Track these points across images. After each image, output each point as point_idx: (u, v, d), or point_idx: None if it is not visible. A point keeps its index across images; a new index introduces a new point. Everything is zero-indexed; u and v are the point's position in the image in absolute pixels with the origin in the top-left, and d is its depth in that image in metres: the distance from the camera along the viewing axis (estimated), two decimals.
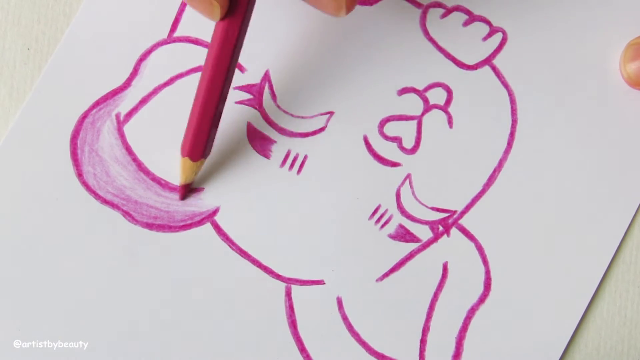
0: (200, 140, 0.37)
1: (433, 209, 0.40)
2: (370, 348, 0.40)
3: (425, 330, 0.40)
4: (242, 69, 0.41)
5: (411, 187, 0.40)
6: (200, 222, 0.40)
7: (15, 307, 0.39)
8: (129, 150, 0.40)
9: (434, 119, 0.41)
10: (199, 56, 0.40)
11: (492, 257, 0.40)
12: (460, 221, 0.41)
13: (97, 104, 0.40)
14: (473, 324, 0.40)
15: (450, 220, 0.41)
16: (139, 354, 0.39)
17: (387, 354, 0.40)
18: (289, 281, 0.40)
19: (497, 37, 0.41)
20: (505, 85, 0.41)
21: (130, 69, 0.40)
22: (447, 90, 0.41)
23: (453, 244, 0.41)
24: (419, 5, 0.41)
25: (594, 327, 0.41)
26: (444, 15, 0.41)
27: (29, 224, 0.39)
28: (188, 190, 0.40)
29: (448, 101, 0.41)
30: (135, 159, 0.40)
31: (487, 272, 0.40)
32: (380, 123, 0.41)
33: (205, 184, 0.40)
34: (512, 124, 0.41)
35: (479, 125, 0.41)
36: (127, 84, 0.40)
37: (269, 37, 0.41)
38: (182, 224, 0.40)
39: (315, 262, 0.40)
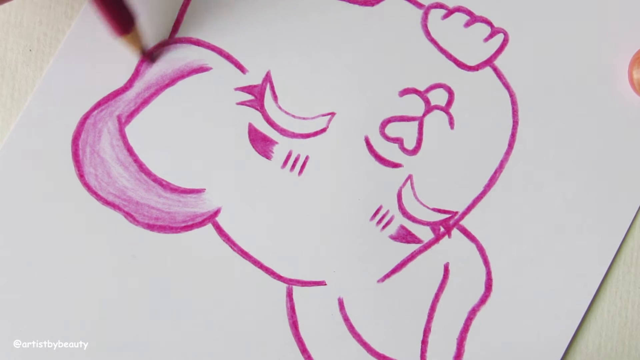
0: (122, 14, 0.37)
1: (434, 210, 0.40)
2: (371, 349, 0.40)
3: (427, 331, 0.40)
4: (243, 70, 0.41)
5: (412, 188, 0.40)
6: (201, 223, 0.40)
7: (15, 307, 0.39)
8: (130, 151, 0.40)
9: (435, 120, 0.41)
10: (200, 57, 0.40)
11: (493, 258, 0.41)
12: (462, 222, 0.41)
13: (98, 105, 0.40)
14: (474, 325, 0.40)
15: (451, 221, 0.41)
16: (139, 354, 0.39)
17: (388, 354, 0.40)
18: (290, 282, 0.40)
19: (499, 38, 0.41)
20: (507, 87, 0.41)
21: (131, 70, 0.40)
22: (449, 91, 0.41)
23: (454, 245, 0.41)
24: (420, 5, 0.41)
25: (594, 328, 0.41)
26: (445, 16, 0.41)
27: (30, 224, 0.39)
28: (149, 54, 0.40)
29: (449, 102, 0.41)
30: (136, 160, 0.40)
31: (488, 273, 0.40)
32: (382, 124, 0.41)
33: (207, 185, 0.40)
34: (513, 125, 0.41)
35: (480, 127, 0.41)
36: (128, 85, 0.40)
37: (270, 39, 0.41)
38: (183, 225, 0.40)
39: (316, 263, 0.40)
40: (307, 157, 0.40)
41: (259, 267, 0.40)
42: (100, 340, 0.39)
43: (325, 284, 0.40)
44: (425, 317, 0.40)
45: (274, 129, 0.40)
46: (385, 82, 0.41)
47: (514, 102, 0.41)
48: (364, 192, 0.40)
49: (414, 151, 0.41)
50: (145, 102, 0.40)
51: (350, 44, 0.41)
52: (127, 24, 0.37)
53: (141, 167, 0.40)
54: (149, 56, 0.40)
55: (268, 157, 0.40)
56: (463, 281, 0.40)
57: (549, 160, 0.41)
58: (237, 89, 0.40)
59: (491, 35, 0.41)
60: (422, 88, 0.41)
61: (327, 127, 0.41)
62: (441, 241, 0.41)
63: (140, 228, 0.39)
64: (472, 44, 0.41)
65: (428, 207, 0.40)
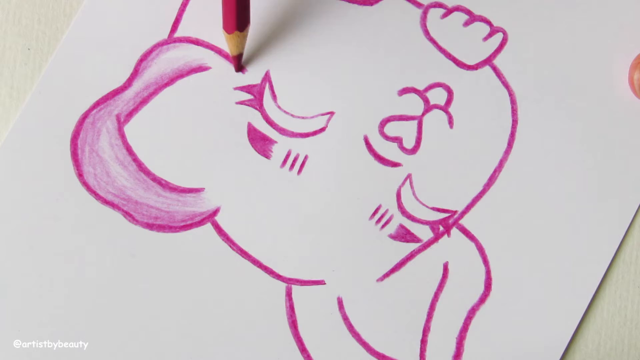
0: (242, 11, 0.38)
1: (433, 209, 0.40)
2: (370, 348, 0.40)
3: (426, 330, 0.40)
4: (242, 70, 0.41)
5: (412, 187, 0.40)
6: (200, 222, 0.40)
7: (15, 307, 0.39)
8: (129, 150, 0.40)
9: (435, 119, 0.41)
10: (199, 56, 0.40)
11: (493, 257, 0.40)
12: (461, 221, 0.41)
13: (97, 104, 0.40)
14: (473, 324, 0.40)
15: (450, 221, 0.41)
16: (139, 354, 0.39)
17: (387, 354, 0.40)
18: (289, 281, 0.40)
19: (498, 37, 0.41)
20: (506, 86, 0.41)
21: (130, 69, 0.40)
22: (448, 91, 0.41)
23: (453, 244, 0.41)
24: (419, 5, 0.41)
25: (594, 327, 0.41)
26: (444, 15, 0.41)
27: (29, 224, 0.39)
28: (240, 60, 0.40)
29: (448, 101, 0.41)
30: (135, 159, 0.40)
31: (488, 272, 0.40)
32: (381, 123, 0.41)
33: (206, 184, 0.40)
34: (513, 124, 0.41)
35: (479, 126, 0.41)
36: (127, 84, 0.40)
37: (269, 38, 0.41)
38: (182, 224, 0.40)
39: (315, 262, 0.40)
40: (306, 157, 0.40)
41: (258, 266, 0.40)
42: (100, 340, 0.39)
43: (325, 283, 0.40)
44: (425, 317, 0.40)
45: (273, 128, 0.40)
46: (384, 82, 0.41)
47: (513, 102, 0.41)
48: (363, 191, 0.40)
49: (413, 150, 0.41)
50: (144, 101, 0.40)
51: (349, 43, 0.41)
52: (243, 24, 0.38)
53: (140, 167, 0.40)
54: (240, 61, 0.40)
55: (267, 157, 0.40)
56: (462, 280, 0.40)
57: (548, 160, 0.41)
58: (236, 88, 0.40)
59: (490, 35, 0.41)
60: (421, 87, 0.41)
61: (326, 126, 0.41)
62: (440, 240, 0.41)
63: (140, 227, 0.39)
64: (471, 43, 0.41)
65: (427, 206, 0.40)
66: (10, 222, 0.39)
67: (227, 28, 0.38)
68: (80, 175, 0.39)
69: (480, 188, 0.41)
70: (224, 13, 0.38)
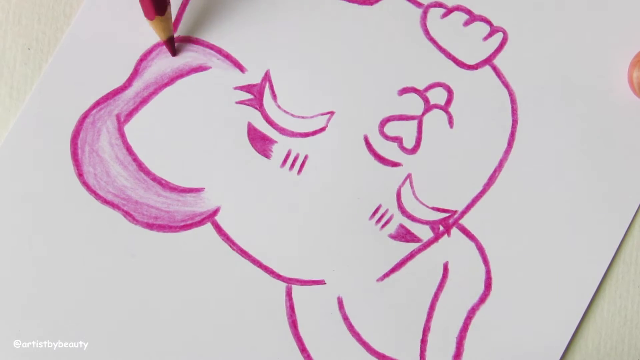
0: None
1: (434, 208, 0.40)
2: (370, 348, 0.40)
3: (426, 330, 0.40)
4: (242, 69, 0.41)
5: (412, 187, 0.40)
6: (200, 222, 0.40)
7: (15, 307, 0.39)
8: (129, 150, 0.40)
9: (435, 118, 0.41)
10: (199, 56, 0.40)
11: (493, 257, 0.40)
12: (461, 221, 0.41)
13: (97, 104, 0.40)
14: (474, 324, 0.40)
15: (450, 220, 0.41)
16: (139, 353, 0.39)
17: (387, 353, 0.40)
18: (289, 281, 0.40)
19: (498, 37, 0.41)
20: (506, 85, 0.41)
21: (130, 69, 0.40)
22: (448, 90, 0.41)
23: (454, 244, 0.41)
24: (419, 5, 0.41)
25: (594, 327, 0.41)
26: (444, 15, 0.41)
27: (30, 223, 0.39)
28: (173, 43, 0.40)
29: (448, 101, 0.41)
30: (135, 159, 0.40)
31: (488, 272, 0.40)
32: (381, 123, 0.41)
33: (206, 184, 0.40)
34: (513, 124, 0.41)
35: (479, 125, 0.41)
36: (127, 84, 0.40)
37: (269, 38, 0.41)
38: (182, 224, 0.40)
39: (315, 262, 0.40)
40: (306, 156, 0.40)
41: (258, 266, 0.40)
42: (100, 340, 0.39)
43: (325, 283, 0.40)
44: (425, 316, 0.40)
45: (273, 128, 0.40)
46: (384, 81, 0.41)
47: (513, 101, 0.41)
48: (363, 191, 0.40)
49: (413, 150, 0.41)
50: (144, 101, 0.40)
51: (349, 43, 0.41)
52: (161, 8, 0.38)
53: (140, 166, 0.40)
54: (173, 45, 0.40)
55: (267, 156, 0.40)
56: (462, 280, 0.40)
57: (548, 160, 0.41)
58: (236, 88, 0.40)
59: (490, 34, 0.41)
60: (421, 87, 0.41)
61: (326, 126, 0.41)
62: (440, 240, 0.41)
63: (140, 227, 0.39)
64: (471, 43, 0.41)
65: (427, 206, 0.40)
66: (10, 222, 0.39)
67: (147, 15, 0.38)
68: (80, 175, 0.39)
69: (480, 188, 0.41)
70: (141, 0, 0.38)
